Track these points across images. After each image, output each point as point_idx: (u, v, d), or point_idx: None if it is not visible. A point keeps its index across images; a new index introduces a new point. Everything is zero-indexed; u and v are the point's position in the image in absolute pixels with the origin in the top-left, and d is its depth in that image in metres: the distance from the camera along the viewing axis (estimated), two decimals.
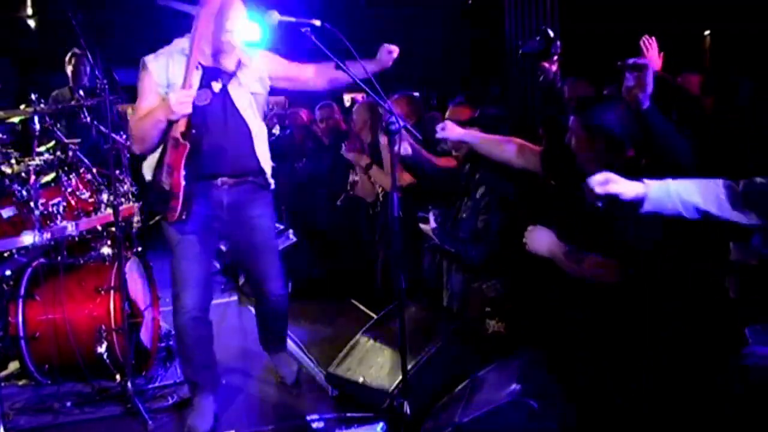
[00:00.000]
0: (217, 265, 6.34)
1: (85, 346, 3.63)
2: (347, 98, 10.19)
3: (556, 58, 3.19)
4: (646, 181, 2.12)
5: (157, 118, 3.00)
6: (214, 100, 3.14)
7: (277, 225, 6.22)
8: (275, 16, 2.74)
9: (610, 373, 2.73)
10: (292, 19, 2.73)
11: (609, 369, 2.74)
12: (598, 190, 2.11)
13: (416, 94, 4.98)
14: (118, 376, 3.69)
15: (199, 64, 3.10)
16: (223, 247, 6.44)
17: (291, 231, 5.88)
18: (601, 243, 2.75)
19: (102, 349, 3.61)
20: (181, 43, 3.14)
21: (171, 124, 3.00)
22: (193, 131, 3.01)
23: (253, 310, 5.18)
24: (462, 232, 3.63)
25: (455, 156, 3.94)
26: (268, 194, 3.42)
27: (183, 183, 3.02)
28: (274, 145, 6.20)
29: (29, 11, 7.38)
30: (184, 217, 3.08)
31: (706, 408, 2.09)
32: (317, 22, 2.73)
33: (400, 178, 4.13)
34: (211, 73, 3.15)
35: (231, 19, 3.09)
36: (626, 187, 2.11)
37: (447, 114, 3.68)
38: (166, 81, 3.10)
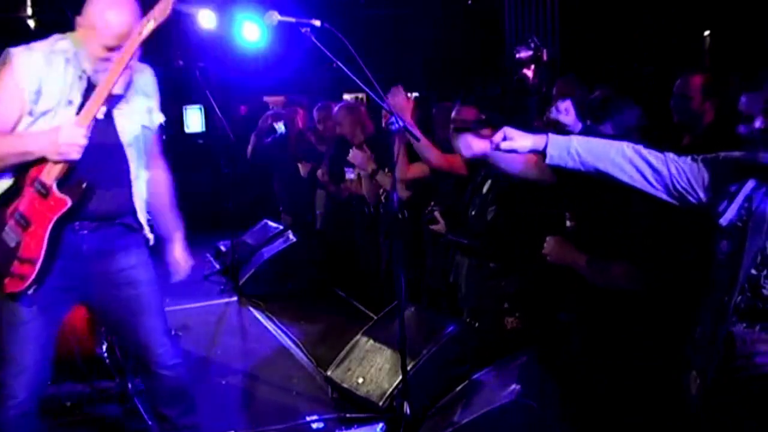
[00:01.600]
0: (217, 266, 6.34)
1: (85, 346, 3.62)
2: (348, 99, 10.17)
3: (533, 66, 3.21)
4: (550, 135, 2.23)
5: (28, 150, 2.26)
6: (95, 129, 2.34)
7: (275, 225, 6.27)
8: (275, 17, 2.73)
9: (610, 374, 2.74)
10: (292, 20, 2.73)
11: (609, 369, 2.74)
12: (502, 146, 2.24)
13: (416, 94, 4.97)
14: (117, 377, 3.69)
15: (87, 78, 2.37)
16: (222, 247, 6.46)
17: (290, 232, 5.89)
18: (617, 243, 2.77)
19: (102, 349, 3.62)
20: (62, 44, 2.37)
21: (40, 159, 2.25)
22: (82, 182, 2.27)
23: (253, 310, 5.22)
24: (474, 227, 3.63)
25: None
26: (141, 238, 2.62)
27: (45, 248, 2.26)
28: (272, 145, 6.25)
29: (29, 11, 7.38)
30: (30, 292, 2.31)
31: (706, 410, 2.10)
32: (317, 23, 2.73)
33: (407, 171, 4.10)
34: None
35: (106, 15, 2.29)
36: (522, 143, 2.24)
37: (452, 114, 3.68)
38: (37, 87, 2.29)
